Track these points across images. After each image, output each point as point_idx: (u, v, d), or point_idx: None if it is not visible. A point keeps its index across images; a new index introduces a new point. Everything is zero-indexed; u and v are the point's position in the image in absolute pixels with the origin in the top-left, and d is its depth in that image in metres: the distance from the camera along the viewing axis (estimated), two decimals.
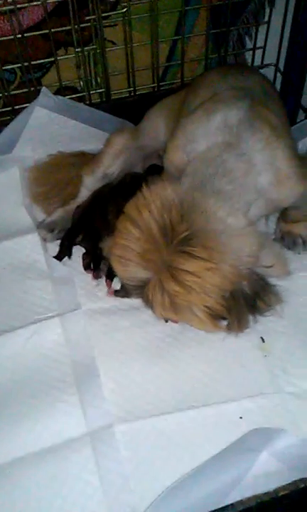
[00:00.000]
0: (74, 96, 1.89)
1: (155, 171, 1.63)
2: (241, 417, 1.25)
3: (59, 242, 1.60)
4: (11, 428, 1.27)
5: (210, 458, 1.18)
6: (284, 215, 1.55)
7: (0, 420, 1.28)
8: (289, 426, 1.21)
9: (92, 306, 1.44)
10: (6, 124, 1.79)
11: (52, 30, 1.70)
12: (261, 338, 1.37)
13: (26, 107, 1.80)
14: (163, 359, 1.35)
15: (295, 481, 1.08)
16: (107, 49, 1.82)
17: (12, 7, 1.62)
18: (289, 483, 1.07)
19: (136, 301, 1.42)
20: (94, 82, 1.89)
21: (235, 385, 1.30)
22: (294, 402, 1.26)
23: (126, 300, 1.44)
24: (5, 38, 1.70)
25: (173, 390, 1.30)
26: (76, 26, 1.71)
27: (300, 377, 1.31)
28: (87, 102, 1.91)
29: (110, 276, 1.46)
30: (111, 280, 1.47)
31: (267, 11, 1.90)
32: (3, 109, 1.86)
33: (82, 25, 1.73)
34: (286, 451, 1.14)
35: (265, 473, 1.13)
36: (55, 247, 1.59)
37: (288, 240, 1.56)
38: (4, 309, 1.46)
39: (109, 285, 1.47)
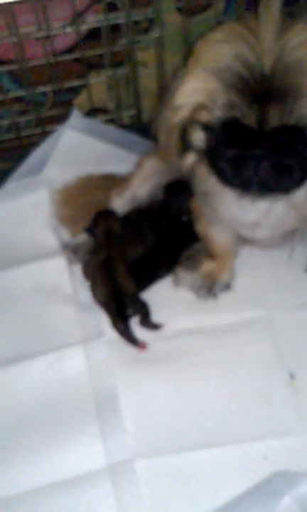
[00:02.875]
0: (105, 118, 1.89)
1: (176, 188, 1.58)
2: (266, 457, 1.21)
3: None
4: (31, 457, 1.26)
5: (232, 500, 1.14)
6: None
7: (20, 449, 1.27)
8: None
9: (116, 334, 1.42)
10: (36, 145, 1.79)
11: (85, 54, 1.70)
12: (290, 374, 1.32)
13: (57, 128, 1.81)
14: (185, 392, 1.32)
15: None
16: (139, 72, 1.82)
17: (46, 34, 1.62)
18: None
19: (160, 332, 1.41)
20: (126, 104, 1.89)
21: (261, 423, 1.26)
22: None
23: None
24: (38, 63, 1.71)
25: (196, 425, 1.26)
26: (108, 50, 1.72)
27: None
28: (118, 124, 1.90)
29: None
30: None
31: None
32: (35, 131, 1.86)
33: (114, 50, 1.73)
34: None
35: None
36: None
37: None
38: (27, 334, 1.45)
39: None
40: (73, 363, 1.37)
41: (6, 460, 1.26)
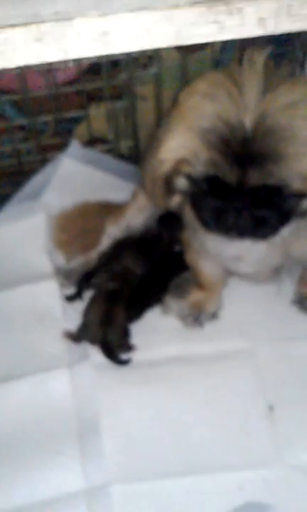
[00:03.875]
0: (104, 148, 1.94)
1: (168, 219, 1.62)
2: (241, 488, 1.22)
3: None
4: (10, 477, 1.28)
5: None
6: (304, 277, 1.54)
7: (1, 469, 1.29)
8: (289, 502, 1.17)
9: (102, 358, 1.44)
10: (36, 171, 1.84)
11: (86, 87, 1.77)
12: (269, 407, 1.34)
13: (57, 156, 1.86)
14: (166, 419, 1.34)
15: None
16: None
17: (48, 68, 1.69)
18: None
19: (145, 356, 1.44)
20: (124, 135, 1.94)
21: (238, 454, 1.27)
22: (297, 476, 1.23)
23: (136, 354, 1.44)
24: (40, 94, 1.78)
25: (174, 453, 1.28)
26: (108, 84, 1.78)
27: (306, 451, 1.27)
28: (116, 154, 1.95)
29: None
30: None
31: None
32: (35, 158, 1.91)
33: (113, 84, 1.79)
34: None
35: None
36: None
37: (305, 304, 1.54)
38: (15, 354, 1.47)
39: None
40: (58, 385, 1.40)
41: None
